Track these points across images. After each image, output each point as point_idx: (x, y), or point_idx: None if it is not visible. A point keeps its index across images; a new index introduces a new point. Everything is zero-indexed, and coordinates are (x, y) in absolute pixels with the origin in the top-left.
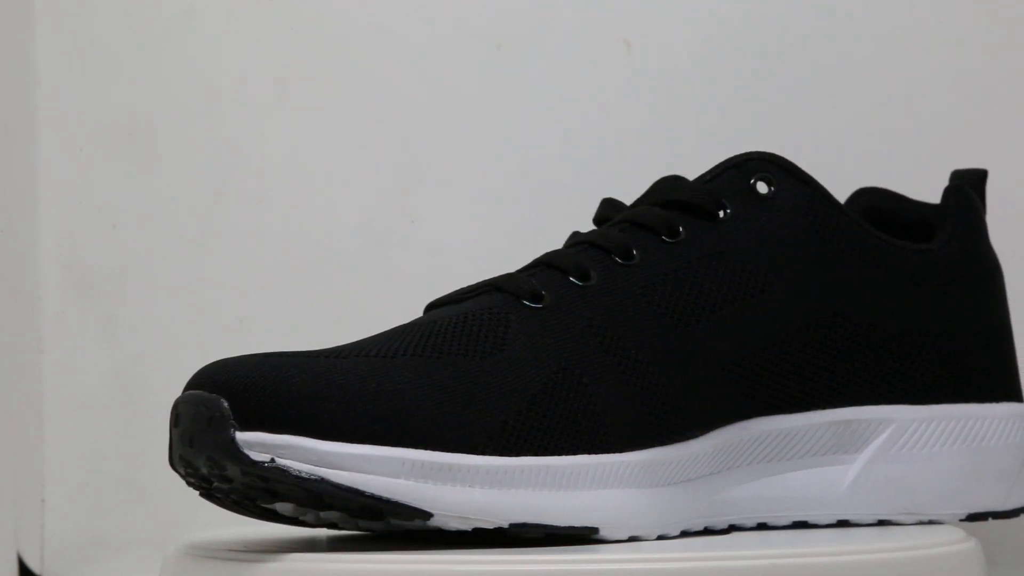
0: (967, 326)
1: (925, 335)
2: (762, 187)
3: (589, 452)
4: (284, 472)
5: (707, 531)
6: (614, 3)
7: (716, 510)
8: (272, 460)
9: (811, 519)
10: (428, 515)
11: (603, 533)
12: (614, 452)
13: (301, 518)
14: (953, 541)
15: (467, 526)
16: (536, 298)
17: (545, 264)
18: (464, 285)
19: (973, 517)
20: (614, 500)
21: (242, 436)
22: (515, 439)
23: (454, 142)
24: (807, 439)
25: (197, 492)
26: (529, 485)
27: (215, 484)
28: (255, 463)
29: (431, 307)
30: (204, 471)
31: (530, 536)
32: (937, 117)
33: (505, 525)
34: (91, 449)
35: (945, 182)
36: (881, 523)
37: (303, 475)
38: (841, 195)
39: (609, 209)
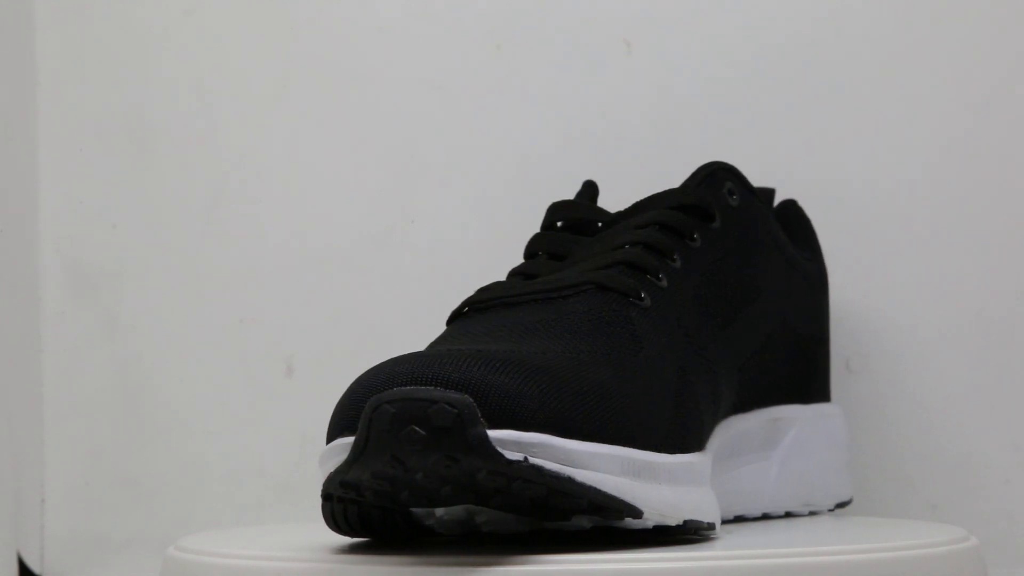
0: (824, 331)
1: (814, 339)
2: (730, 196)
3: (697, 450)
4: (538, 471)
5: None
6: (614, 3)
7: None
8: (525, 459)
9: (746, 513)
10: (639, 513)
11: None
12: (703, 450)
13: (441, 531)
14: (953, 541)
15: (651, 523)
16: (639, 297)
17: (625, 264)
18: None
19: (837, 507)
20: (715, 497)
21: (494, 434)
22: (673, 437)
23: (454, 142)
24: (752, 436)
25: (323, 500)
26: (688, 483)
27: (393, 488)
28: (510, 462)
29: (473, 307)
30: (419, 476)
31: (695, 531)
32: (937, 120)
33: (681, 522)
34: (91, 449)
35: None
36: (788, 515)
37: (555, 474)
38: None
39: (569, 210)
